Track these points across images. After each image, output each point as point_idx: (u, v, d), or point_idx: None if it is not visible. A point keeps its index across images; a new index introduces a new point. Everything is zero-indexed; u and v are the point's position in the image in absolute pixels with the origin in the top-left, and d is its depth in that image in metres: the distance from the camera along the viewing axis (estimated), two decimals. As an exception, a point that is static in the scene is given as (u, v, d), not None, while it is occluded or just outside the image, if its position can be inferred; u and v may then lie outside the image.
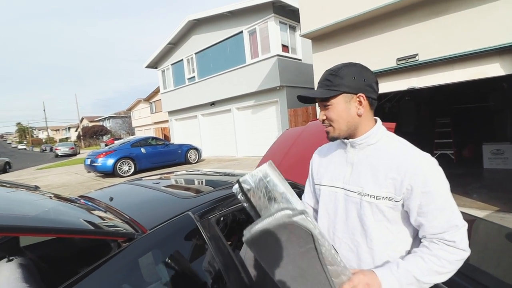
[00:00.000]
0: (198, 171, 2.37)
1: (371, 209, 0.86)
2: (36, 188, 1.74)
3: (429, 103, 10.05)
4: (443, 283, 1.10)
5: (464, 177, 5.79)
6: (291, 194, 0.79)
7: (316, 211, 1.15)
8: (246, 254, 1.46)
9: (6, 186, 1.61)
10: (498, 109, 8.49)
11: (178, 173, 2.44)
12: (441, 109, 9.50)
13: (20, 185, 1.74)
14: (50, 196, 1.57)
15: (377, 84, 0.93)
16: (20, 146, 56.93)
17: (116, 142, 14.41)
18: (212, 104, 13.41)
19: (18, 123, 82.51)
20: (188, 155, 11.77)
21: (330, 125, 0.93)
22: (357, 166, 0.92)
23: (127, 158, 9.80)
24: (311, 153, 1.19)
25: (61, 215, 1.29)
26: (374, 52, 5.07)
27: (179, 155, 11.47)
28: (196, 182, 2.04)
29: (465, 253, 0.80)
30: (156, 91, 24.50)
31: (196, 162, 12.00)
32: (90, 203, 1.58)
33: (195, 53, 13.73)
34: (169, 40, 14.29)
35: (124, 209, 1.34)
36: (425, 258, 0.80)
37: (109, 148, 10.66)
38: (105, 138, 40.63)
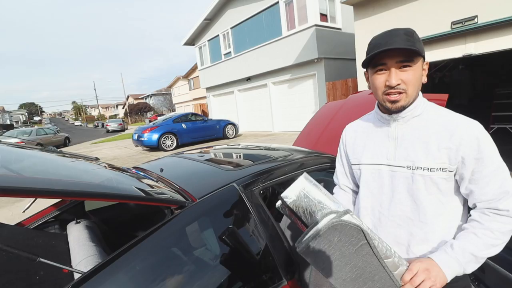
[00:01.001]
0: (239, 145, 2.45)
1: (424, 183, 0.83)
2: (97, 159, 1.96)
3: (487, 72, 8.91)
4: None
5: (526, 155, 5.27)
6: (331, 199, 0.83)
7: (354, 191, 1.12)
8: (286, 226, 1.53)
9: (72, 157, 1.83)
10: None
11: (220, 147, 2.55)
12: (501, 79, 8.41)
13: (84, 157, 1.97)
14: (110, 167, 1.76)
15: None
16: (77, 123, 62.92)
17: (159, 118, 15.23)
18: (248, 79, 13.36)
19: (73, 102, 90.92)
20: (226, 130, 12.08)
21: (404, 91, 0.82)
22: (402, 140, 0.88)
23: (170, 133, 10.36)
24: None
25: (120, 183, 1.44)
26: (426, 16, 4.56)
27: (218, 130, 11.83)
28: (237, 155, 2.12)
29: None
30: (194, 68, 24.97)
31: (234, 137, 12.30)
32: (143, 174, 1.74)
33: (231, 28, 13.56)
34: (205, 16, 14.24)
35: (174, 179, 1.46)
36: (479, 234, 0.78)
37: (153, 124, 11.34)
38: (149, 114, 43.10)
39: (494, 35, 4.00)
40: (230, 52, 14.06)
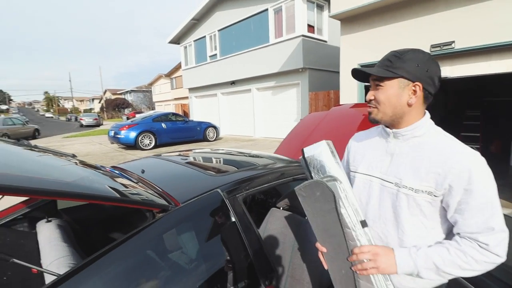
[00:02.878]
0: (222, 150, 2.44)
1: (407, 202, 0.86)
2: (74, 156, 1.87)
3: (458, 94, 9.52)
4: (469, 280, 1.13)
5: (488, 173, 5.63)
6: (338, 167, 0.96)
7: None
8: (265, 231, 1.54)
9: (46, 153, 1.74)
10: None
11: (203, 151, 2.53)
12: (470, 101, 9.02)
13: (59, 153, 1.87)
14: (88, 165, 1.69)
15: (439, 79, 0.89)
16: (48, 115, 59.62)
17: (138, 115, 14.80)
18: (233, 83, 13.37)
19: (46, 92, 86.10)
20: (207, 132, 11.96)
21: (376, 107, 0.91)
22: (397, 157, 0.91)
23: (148, 132, 10.09)
24: (334, 138, 1.17)
25: (97, 182, 1.37)
26: (407, 37, 4.81)
27: (198, 132, 11.69)
28: (221, 161, 2.12)
29: (499, 258, 0.78)
30: (177, 67, 24.61)
31: (214, 140, 12.20)
32: (123, 174, 1.69)
33: (218, 30, 13.55)
34: (193, 16, 14.14)
35: (156, 182, 1.43)
36: (451, 251, 0.80)
37: (131, 121, 11.00)
38: (126, 111, 41.73)
39: (468, 61, 4.30)
40: (216, 54, 14.01)
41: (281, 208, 1.61)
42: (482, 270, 0.79)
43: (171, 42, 16.56)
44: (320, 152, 0.98)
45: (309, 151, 1.01)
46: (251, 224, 1.28)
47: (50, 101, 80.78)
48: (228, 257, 1.13)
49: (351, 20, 5.53)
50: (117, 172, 1.77)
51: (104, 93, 51.12)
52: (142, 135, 9.89)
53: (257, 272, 1.19)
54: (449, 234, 0.88)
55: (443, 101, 10.05)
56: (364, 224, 0.89)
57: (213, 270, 1.11)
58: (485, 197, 0.78)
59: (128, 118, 22.14)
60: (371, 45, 5.27)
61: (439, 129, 0.91)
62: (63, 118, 47.22)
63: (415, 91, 0.86)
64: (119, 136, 9.83)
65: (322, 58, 10.51)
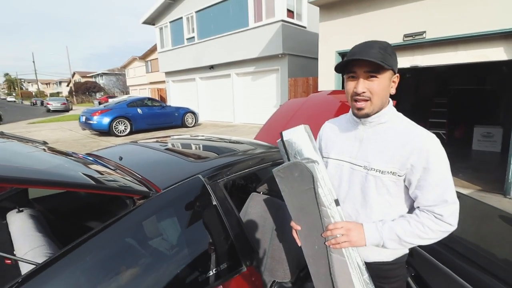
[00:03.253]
0: (202, 136, 2.42)
1: (375, 183, 0.94)
2: (45, 143, 1.79)
3: (427, 82, 10.00)
4: (423, 247, 1.24)
5: (452, 157, 5.96)
6: (314, 151, 1.01)
7: None
8: (246, 215, 1.59)
9: (14, 139, 1.65)
10: (494, 93, 8.55)
11: (183, 137, 2.50)
12: (438, 89, 9.52)
13: (29, 140, 1.78)
14: (59, 152, 1.62)
15: None
16: (9, 99, 55.25)
17: (111, 100, 14.14)
18: (211, 67, 13.07)
19: (6, 74, 79.22)
20: (185, 118, 11.73)
21: (369, 99, 0.91)
22: (365, 142, 0.97)
23: (123, 117, 9.73)
24: (312, 124, 1.21)
25: (72, 170, 1.33)
26: (382, 26, 4.92)
27: (176, 118, 11.43)
28: (201, 147, 2.11)
29: (451, 227, 0.88)
30: (153, 49, 23.56)
31: (193, 126, 12.01)
32: (100, 161, 1.64)
33: (196, 12, 13.05)
34: (168, -5, 13.49)
35: (136, 168, 1.41)
36: (411, 223, 0.90)
37: (104, 106, 10.52)
38: (98, 95, 39.69)
39: (438, 50, 4.51)
40: (193, 37, 13.55)
41: (261, 193, 1.65)
42: (437, 238, 0.90)
43: (145, 22, 15.75)
44: (298, 136, 1.02)
45: (287, 134, 1.04)
46: (233, 208, 1.31)
47: (12, 83, 74.86)
48: (211, 240, 1.16)
49: (330, 7, 5.54)
50: (92, 159, 1.72)
51: (73, 76, 48.18)
52: (116, 121, 9.53)
53: (238, 253, 1.23)
54: (411, 209, 0.98)
55: (414, 89, 10.51)
56: (337, 202, 0.97)
57: (196, 253, 1.14)
58: (441, 174, 0.87)
59: (100, 103, 21.14)
60: (349, 33, 5.35)
61: (400, 114, 1.00)
62: (27, 103, 44.06)
63: (394, 82, 0.95)
64: (91, 122, 9.39)
65: (302, 44, 10.50)
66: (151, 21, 15.66)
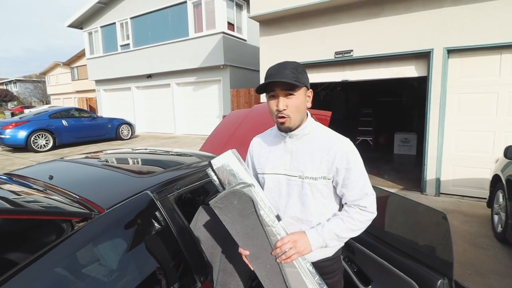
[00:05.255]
0: (145, 149, 2.28)
1: (310, 189, 1.03)
2: None
3: (356, 95, 11.28)
4: (355, 239, 1.39)
5: (378, 161, 6.82)
6: (247, 174, 1.03)
7: None
8: (195, 229, 1.54)
9: None
10: (409, 104, 10.08)
11: (122, 150, 2.31)
12: (365, 101, 10.81)
13: None
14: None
15: None
16: None
17: (27, 111, 12.29)
18: (149, 76, 12.44)
19: None
20: (120, 130, 10.85)
21: (288, 116, 1.00)
22: (295, 154, 1.06)
23: (44, 130, 8.54)
24: (257, 134, 1.27)
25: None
26: (317, 43, 5.39)
27: (109, 130, 10.50)
28: (145, 161, 1.98)
29: (373, 215, 1.04)
30: (80, 55, 21.39)
31: (129, 139, 11.17)
32: (24, 182, 1.42)
33: (131, 18, 12.36)
34: (99, -2, 12.51)
35: (72, 188, 1.26)
36: (344, 219, 1.02)
37: (20, 118, 9.11)
38: (10, 105, 34.11)
39: (363, 67, 5.17)
40: (128, 44, 12.76)
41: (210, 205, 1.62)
42: (365, 227, 1.04)
43: (72, 26, 14.27)
44: (227, 161, 1.02)
45: (217, 162, 1.03)
46: (184, 223, 1.27)
47: None
48: (164, 260, 1.09)
49: (269, 23, 5.85)
50: (11, 179, 1.48)
51: (-24, 82, 40.48)
52: (35, 134, 8.31)
53: (192, 270, 1.19)
54: (341, 206, 1.12)
55: (345, 101, 11.70)
56: (278, 218, 1.01)
57: (149, 275, 1.06)
58: (359, 171, 1.02)
59: (13, 114, 18.24)
60: (288, 47, 5.71)
61: (319, 124, 1.13)
62: None
63: (309, 97, 1.07)
64: (3, 136, 8.02)
65: (243, 56, 10.78)
66: (79, 24, 14.28)
